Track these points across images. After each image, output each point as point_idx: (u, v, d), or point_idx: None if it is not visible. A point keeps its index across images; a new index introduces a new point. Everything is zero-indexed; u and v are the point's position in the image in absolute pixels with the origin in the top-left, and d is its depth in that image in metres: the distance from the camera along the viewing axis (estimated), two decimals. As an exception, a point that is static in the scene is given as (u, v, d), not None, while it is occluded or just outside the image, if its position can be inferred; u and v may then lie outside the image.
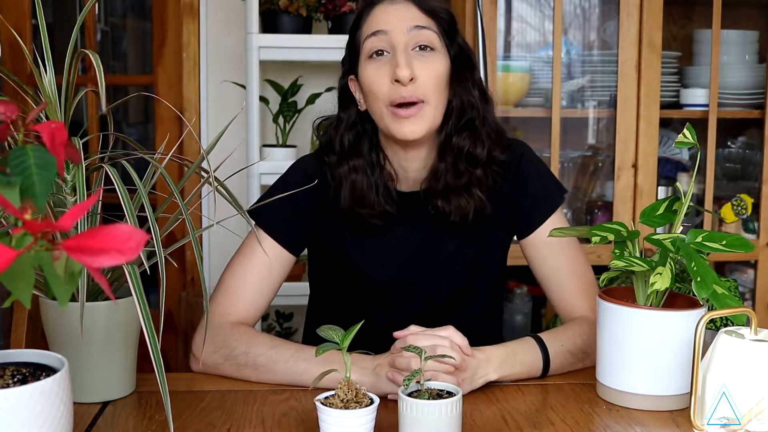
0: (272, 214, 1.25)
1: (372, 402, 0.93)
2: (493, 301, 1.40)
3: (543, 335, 1.19)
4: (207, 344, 1.17)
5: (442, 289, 1.32)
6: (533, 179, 1.31)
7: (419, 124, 1.18)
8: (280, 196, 1.22)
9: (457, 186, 1.23)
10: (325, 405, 0.93)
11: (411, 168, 1.27)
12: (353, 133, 1.27)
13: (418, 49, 1.19)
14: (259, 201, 1.28)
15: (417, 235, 1.30)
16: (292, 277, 1.49)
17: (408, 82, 1.16)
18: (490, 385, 1.14)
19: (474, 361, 1.10)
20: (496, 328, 1.43)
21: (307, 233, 1.30)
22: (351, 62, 1.26)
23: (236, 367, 1.17)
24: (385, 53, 1.20)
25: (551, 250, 1.29)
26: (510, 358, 1.14)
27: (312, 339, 1.45)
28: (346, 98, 1.29)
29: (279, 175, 1.34)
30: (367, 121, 1.27)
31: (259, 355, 1.15)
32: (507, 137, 1.30)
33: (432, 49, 1.20)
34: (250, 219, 1.22)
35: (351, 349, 0.96)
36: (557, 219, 1.31)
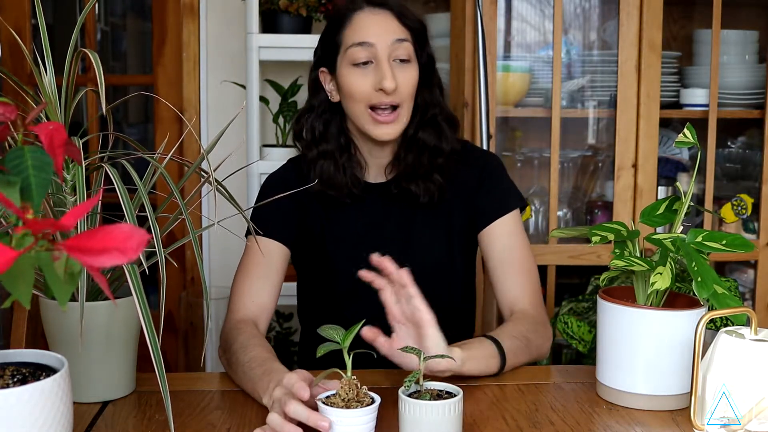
0: (260, 217, 1.34)
1: (373, 401, 0.93)
2: (464, 301, 1.45)
3: (493, 333, 1.22)
4: (220, 344, 1.27)
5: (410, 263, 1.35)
6: (496, 180, 1.42)
7: (395, 127, 1.32)
8: (262, 203, 1.31)
9: (422, 173, 1.35)
10: (327, 404, 0.93)
11: (379, 156, 1.39)
12: (323, 121, 1.38)
13: (398, 61, 1.31)
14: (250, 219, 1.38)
15: (387, 223, 1.39)
16: (292, 277, 1.49)
17: (392, 93, 1.29)
18: (490, 385, 1.14)
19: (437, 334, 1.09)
20: (467, 327, 1.47)
21: (292, 224, 1.39)
22: (327, 58, 1.36)
23: (227, 365, 1.22)
24: (369, 63, 1.30)
25: (503, 246, 1.37)
26: (469, 350, 1.14)
27: (309, 339, 1.45)
28: (316, 88, 1.39)
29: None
30: (337, 110, 1.38)
31: (236, 358, 1.18)
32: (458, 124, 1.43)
33: (409, 61, 1.32)
34: (248, 219, 1.23)
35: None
36: (513, 220, 1.39)
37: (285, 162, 1.47)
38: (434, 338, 1.06)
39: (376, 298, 1.33)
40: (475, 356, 1.14)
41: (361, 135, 1.37)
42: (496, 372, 1.18)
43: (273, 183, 1.42)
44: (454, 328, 1.33)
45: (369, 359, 1.28)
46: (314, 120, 1.38)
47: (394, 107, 1.31)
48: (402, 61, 1.31)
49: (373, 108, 1.30)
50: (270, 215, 1.35)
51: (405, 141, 1.37)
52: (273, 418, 0.94)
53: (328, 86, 1.37)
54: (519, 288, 1.35)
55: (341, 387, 0.94)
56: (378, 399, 0.94)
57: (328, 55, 1.35)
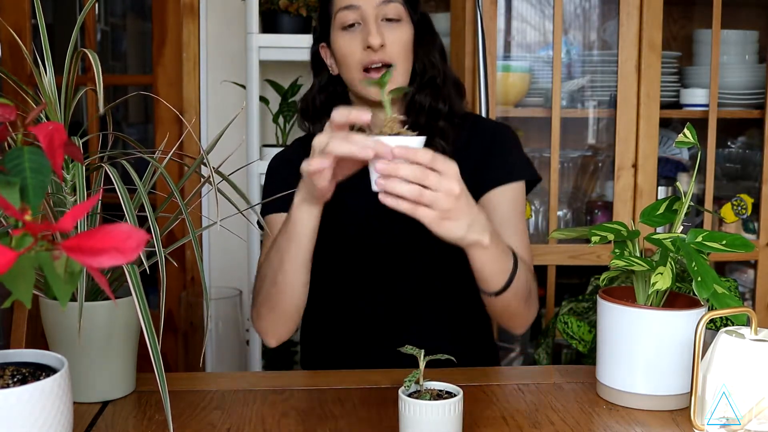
0: (271, 196, 1.32)
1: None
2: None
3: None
4: (252, 305, 1.30)
5: (419, 249, 1.34)
6: (505, 150, 1.39)
7: (389, 84, 1.26)
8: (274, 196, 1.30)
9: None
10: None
11: (381, 124, 1.34)
12: (325, 95, 1.39)
13: (386, 20, 1.30)
14: (262, 200, 1.37)
15: None
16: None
17: (378, 48, 1.28)
18: (490, 385, 1.14)
19: (474, 209, 1.05)
20: (483, 316, 1.42)
21: None
22: (322, 31, 1.37)
23: (266, 295, 1.23)
24: (356, 25, 1.30)
25: (502, 214, 1.33)
26: (496, 234, 1.12)
27: (308, 337, 1.45)
28: (318, 64, 1.41)
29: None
30: (339, 83, 1.38)
31: (271, 261, 1.20)
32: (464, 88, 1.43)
33: (398, 20, 1.31)
34: (249, 219, 1.23)
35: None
36: (517, 191, 1.35)
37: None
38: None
39: (390, 269, 1.32)
40: (498, 241, 1.11)
41: (362, 104, 1.35)
42: (506, 277, 1.15)
43: (278, 161, 1.43)
44: (465, 295, 1.33)
45: (369, 359, 1.28)
46: (317, 95, 1.39)
47: (387, 66, 1.29)
48: (390, 20, 1.30)
49: (366, 70, 1.29)
50: (280, 192, 1.32)
51: (405, 105, 1.37)
52: (317, 139, 1.00)
53: (329, 61, 1.37)
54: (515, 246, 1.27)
55: (386, 125, 0.97)
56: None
57: (323, 28, 1.36)
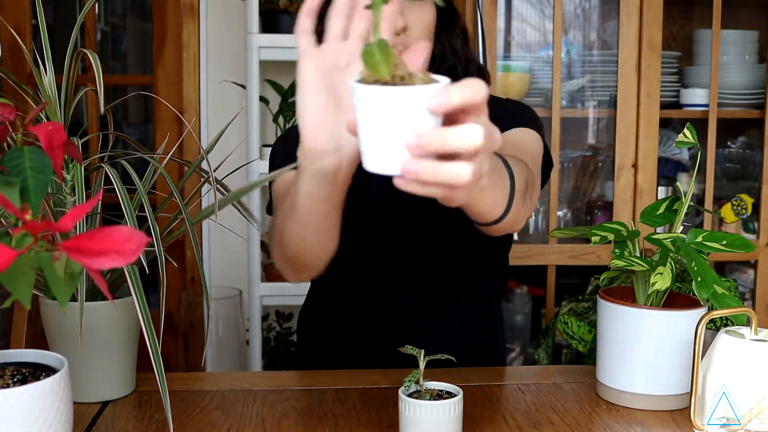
0: (278, 166, 1.21)
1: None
2: (493, 242, 1.29)
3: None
4: (272, 244, 1.09)
5: (434, 233, 1.26)
6: (520, 116, 1.25)
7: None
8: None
9: None
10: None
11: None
12: None
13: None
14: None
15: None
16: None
17: (401, 32, 1.14)
18: (490, 385, 1.14)
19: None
20: (496, 309, 1.39)
21: None
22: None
23: (280, 233, 1.01)
24: None
25: (511, 143, 1.15)
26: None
27: (307, 333, 1.44)
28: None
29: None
30: None
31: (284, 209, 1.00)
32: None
33: None
34: (250, 218, 1.22)
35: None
36: (531, 132, 1.22)
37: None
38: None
39: (408, 262, 1.26)
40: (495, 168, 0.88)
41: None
42: (505, 200, 0.92)
43: (282, 139, 1.36)
44: (480, 293, 1.28)
45: (369, 359, 1.28)
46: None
47: None
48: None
49: None
50: (287, 164, 1.20)
51: None
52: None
53: None
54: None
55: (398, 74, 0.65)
56: (445, 80, 0.65)
57: None
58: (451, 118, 0.66)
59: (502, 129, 1.01)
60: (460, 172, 0.64)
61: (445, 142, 0.62)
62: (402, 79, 0.63)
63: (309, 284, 1.46)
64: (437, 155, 0.63)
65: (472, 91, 0.64)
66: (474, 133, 0.62)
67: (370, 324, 1.33)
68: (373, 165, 0.65)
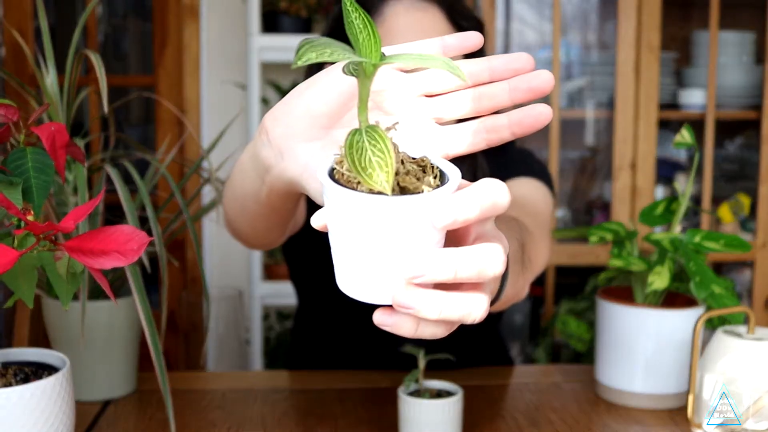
0: None
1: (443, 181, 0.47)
2: None
3: None
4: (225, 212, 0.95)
5: None
6: (518, 153, 1.22)
7: None
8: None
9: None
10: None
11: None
12: None
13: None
14: None
15: None
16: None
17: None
18: (490, 385, 1.15)
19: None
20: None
21: None
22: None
23: (230, 191, 0.85)
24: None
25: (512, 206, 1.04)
26: None
27: (301, 341, 1.45)
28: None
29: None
30: None
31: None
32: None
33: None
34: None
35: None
36: (537, 183, 1.13)
37: None
38: None
39: None
40: None
41: None
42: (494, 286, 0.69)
43: None
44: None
45: (370, 359, 1.29)
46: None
47: None
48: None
49: None
50: None
51: None
52: None
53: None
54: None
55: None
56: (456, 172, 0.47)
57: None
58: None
59: (504, 179, 0.99)
60: (471, 311, 0.46)
61: (458, 275, 0.44)
62: (396, 174, 0.44)
63: (305, 285, 1.47)
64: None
65: (492, 199, 0.45)
66: (494, 259, 0.45)
67: (369, 324, 1.33)
68: (350, 288, 0.47)
